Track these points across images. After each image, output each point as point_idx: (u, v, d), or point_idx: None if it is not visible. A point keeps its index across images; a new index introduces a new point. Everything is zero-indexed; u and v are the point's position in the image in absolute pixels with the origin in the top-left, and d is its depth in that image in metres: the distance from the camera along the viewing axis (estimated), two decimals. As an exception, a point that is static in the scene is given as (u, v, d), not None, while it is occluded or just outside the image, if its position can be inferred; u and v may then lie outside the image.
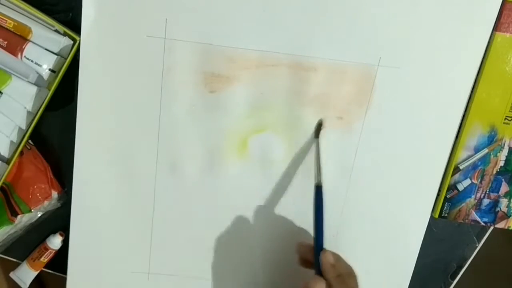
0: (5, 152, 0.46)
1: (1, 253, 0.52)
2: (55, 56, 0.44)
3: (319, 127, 0.47)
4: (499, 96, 0.47)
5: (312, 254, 0.44)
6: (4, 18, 0.43)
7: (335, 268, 0.42)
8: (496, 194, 0.51)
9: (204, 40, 0.45)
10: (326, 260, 0.42)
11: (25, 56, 0.43)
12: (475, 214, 0.51)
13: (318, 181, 0.44)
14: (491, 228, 0.53)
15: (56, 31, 0.44)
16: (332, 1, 0.44)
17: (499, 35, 0.45)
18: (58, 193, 0.49)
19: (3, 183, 0.47)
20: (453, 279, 0.56)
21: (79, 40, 0.44)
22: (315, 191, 0.44)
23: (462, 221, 0.51)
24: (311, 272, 0.44)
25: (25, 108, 0.45)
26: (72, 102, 0.48)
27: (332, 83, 0.46)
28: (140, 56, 0.45)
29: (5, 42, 0.43)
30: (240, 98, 0.47)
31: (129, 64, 0.45)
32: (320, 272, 0.42)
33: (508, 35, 0.45)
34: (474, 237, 0.54)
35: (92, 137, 0.47)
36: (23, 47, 0.43)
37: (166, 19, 0.44)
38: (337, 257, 0.43)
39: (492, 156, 0.49)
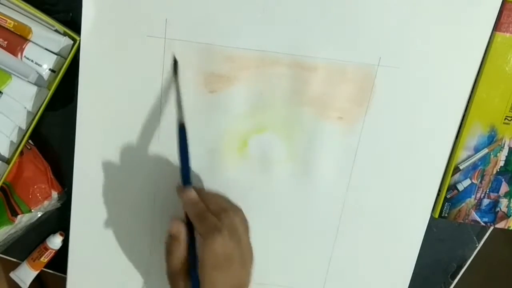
0: (5, 152, 0.46)
1: (1, 253, 0.52)
2: (55, 56, 0.44)
3: (175, 64, 0.45)
4: (499, 96, 0.47)
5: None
6: (4, 18, 0.43)
7: (198, 205, 0.39)
8: (496, 194, 0.51)
9: (204, 40, 0.45)
10: (186, 196, 0.39)
11: (25, 56, 0.43)
12: (475, 214, 0.51)
13: (181, 119, 0.42)
14: (491, 228, 0.53)
15: (56, 31, 0.44)
16: (332, 1, 0.44)
17: (499, 35, 0.45)
18: (58, 193, 0.49)
19: (3, 183, 0.47)
20: (453, 279, 0.56)
21: (79, 40, 0.44)
22: (179, 130, 0.42)
23: (462, 221, 0.51)
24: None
25: (25, 108, 0.45)
26: (72, 102, 0.48)
27: (332, 83, 0.46)
28: (140, 56, 0.45)
29: (5, 42, 0.43)
30: (240, 98, 0.47)
31: (129, 64, 0.45)
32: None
33: (508, 35, 0.45)
34: (474, 237, 0.54)
35: (92, 137, 0.47)
36: (23, 47, 0.43)
37: (166, 19, 0.44)
38: (211, 195, 0.40)
39: (492, 156, 0.49)
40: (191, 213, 0.39)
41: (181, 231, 0.40)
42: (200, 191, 0.42)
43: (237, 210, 0.40)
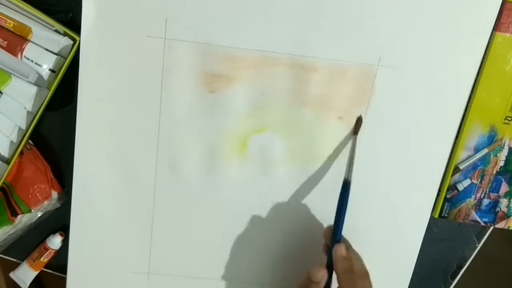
0: (5, 152, 0.46)
1: (1, 253, 0.52)
2: (55, 56, 0.44)
3: (359, 123, 0.47)
4: (499, 96, 0.47)
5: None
6: (4, 18, 0.43)
7: (347, 262, 0.42)
8: (496, 194, 0.51)
9: (204, 40, 0.45)
10: (339, 251, 0.43)
11: (25, 56, 0.43)
12: (475, 214, 0.51)
13: (348, 176, 0.45)
14: (491, 228, 0.53)
15: (56, 31, 0.44)
16: (332, 1, 0.44)
17: (499, 35, 0.45)
18: (58, 193, 0.49)
19: (3, 183, 0.47)
20: (453, 279, 0.56)
21: (79, 40, 0.44)
22: (343, 186, 0.44)
23: (462, 221, 0.51)
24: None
25: (25, 108, 0.45)
26: (72, 102, 0.48)
27: (332, 83, 0.46)
28: (140, 56, 0.45)
29: (5, 42, 0.43)
30: (240, 98, 0.47)
31: (129, 64, 0.45)
32: (329, 264, 0.43)
33: (508, 35, 0.45)
34: (474, 237, 0.54)
35: (92, 137, 0.47)
36: (23, 47, 0.43)
37: (166, 19, 0.44)
38: (355, 255, 0.43)
39: (492, 156, 0.49)
40: (341, 268, 0.42)
41: (325, 279, 0.43)
42: (348, 248, 0.44)
43: (369, 278, 0.43)
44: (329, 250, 0.44)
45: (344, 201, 0.44)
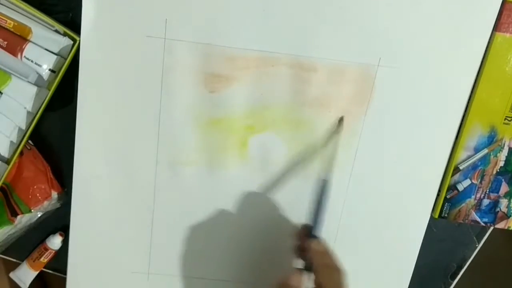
0: (5, 152, 0.46)
1: (1, 253, 0.52)
2: (55, 56, 0.44)
3: (340, 123, 0.47)
4: (499, 96, 0.47)
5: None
6: (4, 18, 0.43)
7: (324, 257, 0.41)
8: (496, 194, 0.51)
9: (204, 40, 0.45)
10: (317, 247, 0.42)
11: (25, 56, 0.43)
12: (475, 215, 0.51)
13: (327, 175, 0.44)
14: (491, 228, 0.53)
15: (56, 31, 0.44)
16: (332, 1, 0.44)
17: (499, 35, 0.45)
18: (58, 193, 0.49)
19: (3, 183, 0.47)
20: (453, 279, 0.56)
21: (79, 40, 0.44)
22: (322, 185, 0.44)
23: (462, 221, 0.51)
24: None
25: (25, 108, 0.45)
26: (72, 102, 0.48)
27: (332, 83, 0.46)
28: (140, 56, 0.45)
29: (5, 42, 0.43)
30: (240, 98, 0.47)
31: (129, 64, 0.45)
32: (307, 266, 0.42)
33: (508, 35, 0.45)
34: (474, 238, 0.54)
35: (92, 137, 0.47)
36: (23, 47, 0.43)
37: (166, 19, 0.44)
38: (331, 251, 0.42)
39: (492, 156, 0.49)
40: (320, 262, 0.41)
41: (301, 283, 0.41)
42: (325, 243, 0.43)
43: (344, 272, 0.42)
44: (300, 250, 0.43)
45: (323, 200, 0.44)
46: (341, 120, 0.47)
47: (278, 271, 0.53)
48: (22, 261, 0.52)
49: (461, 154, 0.49)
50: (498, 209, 0.51)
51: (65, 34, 0.45)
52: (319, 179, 0.44)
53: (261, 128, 0.48)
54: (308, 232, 0.44)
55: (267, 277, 0.53)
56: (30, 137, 0.47)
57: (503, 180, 0.50)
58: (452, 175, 0.49)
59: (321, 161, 0.48)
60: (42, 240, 0.52)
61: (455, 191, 0.50)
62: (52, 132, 0.49)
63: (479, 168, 0.49)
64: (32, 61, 0.43)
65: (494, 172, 0.50)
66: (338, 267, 0.41)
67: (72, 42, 0.45)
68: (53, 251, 0.51)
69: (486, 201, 0.51)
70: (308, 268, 0.42)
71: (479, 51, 0.46)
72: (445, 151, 0.49)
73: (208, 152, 0.48)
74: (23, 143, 0.46)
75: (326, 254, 0.42)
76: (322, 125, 0.48)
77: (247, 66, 0.46)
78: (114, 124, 0.47)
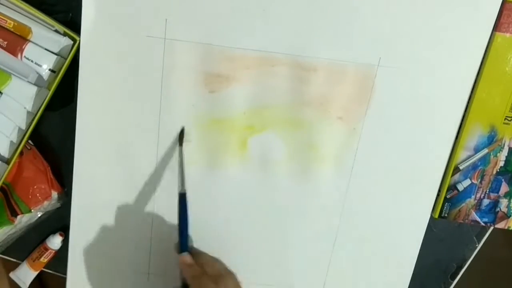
0: (5, 152, 0.46)
1: (1, 253, 0.52)
2: (55, 56, 0.44)
3: (181, 134, 0.47)
4: (499, 96, 0.47)
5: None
6: (4, 18, 0.43)
7: (194, 268, 0.42)
8: (496, 194, 0.51)
9: (204, 40, 0.45)
10: (182, 261, 0.42)
11: (25, 56, 0.43)
12: (475, 214, 0.51)
13: (182, 188, 0.44)
14: (491, 228, 0.53)
15: (56, 31, 0.44)
16: (332, 1, 0.44)
17: (499, 35, 0.45)
18: (58, 193, 0.49)
19: (3, 183, 0.47)
20: (453, 279, 0.56)
21: (79, 40, 0.44)
22: (179, 198, 0.44)
23: (462, 221, 0.51)
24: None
25: (25, 108, 0.45)
26: (72, 102, 0.48)
27: (332, 83, 0.46)
28: (140, 56, 0.45)
29: (5, 42, 0.43)
30: (240, 98, 0.47)
31: (129, 64, 0.45)
32: (182, 281, 0.43)
33: (508, 35, 0.45)
34: (474, 238, 0.54)
35: (92, 137, 0.47)
36: (23, 47, 0.43)
37: (166, 19, 0.44)
38: (208, 260, 0.43)
39: (492, 156, 0.49)
40: (188, 275, 0.41)
41: None
42: (199, 254, 0.44)
43: (232, 276, 0.42)
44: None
45: (184, 213, 0.44)
46: (181, 132, 0.47)
47: (279, 270, 0.53)
48: (22, 261, 0.52)
49: (461, 154, 0.49)
50: (498, 209, 0.51)
51: (65, 34, 0.45)
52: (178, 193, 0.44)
53: (261, 128, 0.48)
54: (178, 249, 0.44)
55: (268, 276, 0.53)
56: (30, 137, 0.47)
57: (503, 180, 0.50)
58: (452, 175, 0.49)
59: (175, 175, 0.48)
60: (42, 240, 0.52)
61: (455, 191, 0.50)
62: (52, 132, 0.49)
63: (479, 168, 0.49)
64: (32, 61, 0.43)
65: (494, 172, 0.50)
66: (215, 274, 0.41)
67: (72, 42, 0.45)
68: (53, 251, 0.51)
69: (486, 201, 0.51)
70: (184, 285, 0.42)
71: (479, 51, 0.46)
72: (445, 151, 0.49)
73: (208, 151, 0.48)
74: (23, 143, 0.46)
75: (193, 266, 0.42)
76: (322, 125, 0.48)
77: (247, 66, 0.46)
78: (114, 124, 0.47)
